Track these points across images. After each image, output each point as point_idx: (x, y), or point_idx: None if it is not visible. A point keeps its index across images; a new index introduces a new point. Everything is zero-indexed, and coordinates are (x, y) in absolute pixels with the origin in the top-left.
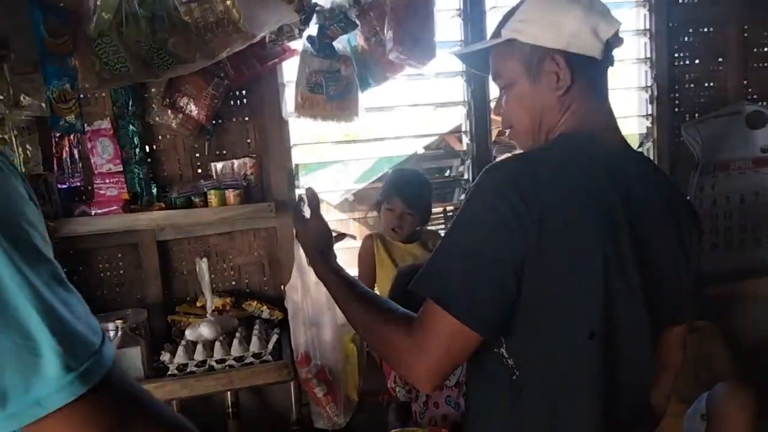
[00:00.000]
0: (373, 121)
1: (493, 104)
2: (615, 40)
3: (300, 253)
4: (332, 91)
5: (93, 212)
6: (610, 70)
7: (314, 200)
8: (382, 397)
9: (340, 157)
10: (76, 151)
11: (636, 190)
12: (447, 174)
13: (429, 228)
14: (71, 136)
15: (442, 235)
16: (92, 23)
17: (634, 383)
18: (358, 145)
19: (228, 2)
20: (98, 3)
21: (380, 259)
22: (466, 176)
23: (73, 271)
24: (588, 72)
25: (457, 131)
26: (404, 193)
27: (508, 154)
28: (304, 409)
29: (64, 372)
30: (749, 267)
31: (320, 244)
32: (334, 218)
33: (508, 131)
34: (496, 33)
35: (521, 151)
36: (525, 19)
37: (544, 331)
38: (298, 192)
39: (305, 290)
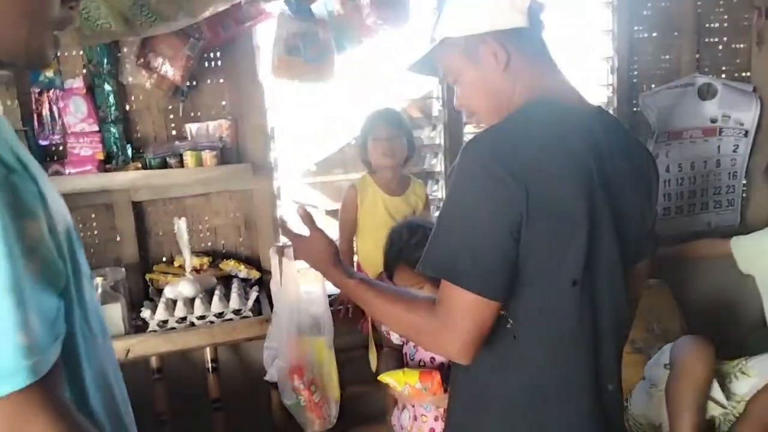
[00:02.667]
0: (347, 88)
1: None
2: (537, 6)
3: (288, 265)
4: (310, 53)
5: (67, 172)
6: (574, 41)
7: (307, 217)
8: (361, 326)
9: (312, 122)
10: (56, 108)
11: (603, 144)
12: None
13: (416, 179)
14: (51, 92)
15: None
16: None
17: (615, 324)
18: (327, 111)
19: None
20: None
21: (364, 212)
22: (438, 141)
23: None
24: (522, 42)
25: (427, 97)
26: (385, 117)
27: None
28: None
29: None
30: (697, 230)
31: (327, 255)
32: (297, 187)
33: (474, 118)
34: (432, 38)
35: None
36: (450, 17)
37: (533, 284)
38: (279, 213)
39: (294, 299)
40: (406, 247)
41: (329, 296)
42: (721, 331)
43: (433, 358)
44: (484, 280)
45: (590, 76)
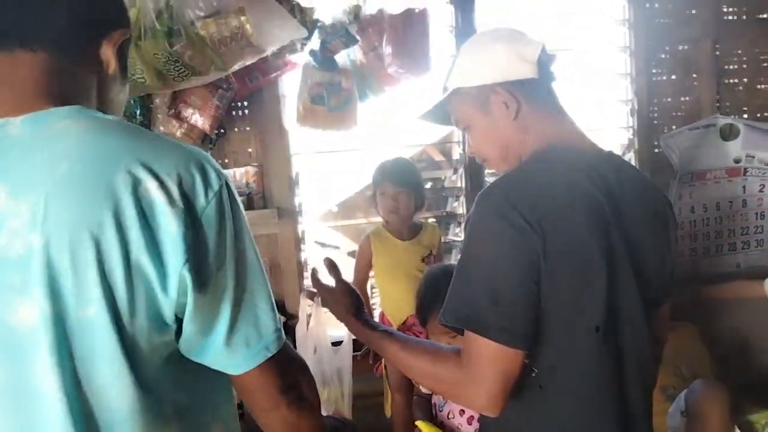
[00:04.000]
0: (370, 131)
1: None
2: (546, 58)
3: (317, 311)
4: (333, 102)
5: None
6: (593, 85)
7: (333, 267)
8: (376, 368)
9: (335, 168)
10: None
11: (616, 188)
12: (438, 185)
13: (428, 222)
14: None
15: (441, 228)
16: None
17: (639, 369)
18: (350, 155)
19: (242, 18)
20: None
21: (378, 259)
22: (459, 185)
23: None
24: (532, 92)
25: (446, 141)
26: (390, 174)
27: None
28: None
29: (275, 329)
30: (725, 271)
31: (351, 306)
32: (320, 229)
33: (485, 164)
34: (444, 88)
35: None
36: (462, 68)
37: (555, 331)
38: (310, 267)
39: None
40: (443, 291)
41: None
42: (753, 375)
43: (462, 410)
44: (507, 329)
45: (610, 118)
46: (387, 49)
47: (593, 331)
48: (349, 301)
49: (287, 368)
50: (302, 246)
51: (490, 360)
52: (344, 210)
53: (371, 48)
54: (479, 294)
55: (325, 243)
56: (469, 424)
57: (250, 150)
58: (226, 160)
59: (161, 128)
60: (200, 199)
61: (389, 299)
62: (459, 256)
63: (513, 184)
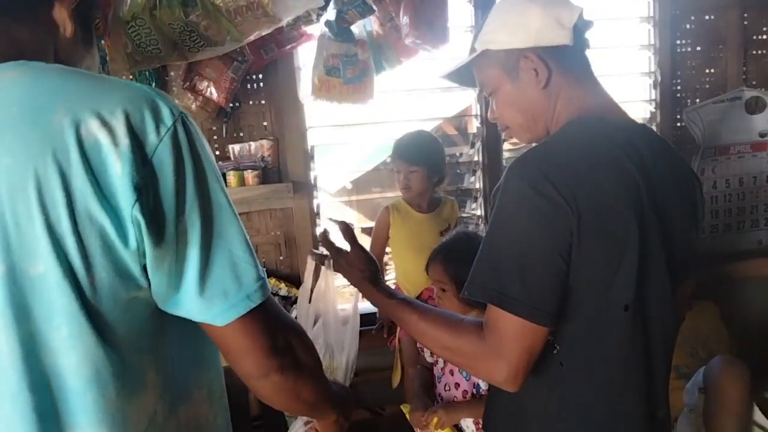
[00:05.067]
0: (385, 106)
1: None
2: (583, 24)
3: (327, 275)
4: (349, 74)
5: None
6: (614, 56)
7: (348, 232)
8: (390, 342)
9: (350, 141)
10: None
11: (649, 162)
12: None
13: (448, 197)
14: None
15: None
16: (125, 6)
17: (665, 349)
18: (364, 130)
19: None
20: None
21: (395, 231)
22: (476, 159)
23: None
24: (564, 59)
25: (463, 114)
26: (403, 151)
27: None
28: None
29: (257, 278)
30: (747, 248)
31: (367, 272)
32: (334, 204)
33: (506, 132)
34: (472, 49)
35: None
36: (492, 29)
37: (583, 308)
38: (321, 225)
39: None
40: (456, 248)
41: (369, 314)
42: None
43: (457, 384)
44: (533, 305)
45: (632, 91)
46: (404, 20)
47: (622, 309)
48: (365, 267)
49: (275, 327)
50: (317, 221)
51: (514, 336)
52: (360, 185)
53: (388, 19)
54: (507, 268)
55: (337, 220)
56: (464, 397)
57: (265, 123)
58: (241, 134)
59: (176, 101)
60: (150, 137)
61: (404, 271)
62: (487, 228)
63: (548, 156)
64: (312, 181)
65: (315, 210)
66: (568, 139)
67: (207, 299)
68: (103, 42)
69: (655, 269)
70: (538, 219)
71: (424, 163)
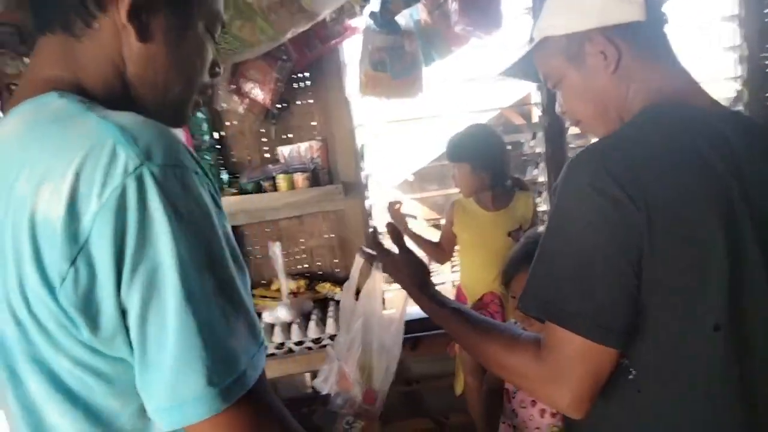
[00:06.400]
0: (439, 98)
1: None
2: None
3: (375, 276)
4: (396, 68)
5: None
6: (694, 30)
7: (396, 233)
8: (449, 347)
9: (404, 136)
10: None
11: (742, 154)
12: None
13: (523, 191)
14: None
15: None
16: None
17: (765, 371)
18: (420, 124)
19: None
20: None
21: (459, 229)
22: (538, 150)
23: None
24: (636, 38)
25: (523, 103)
26: (449, 149)
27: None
28: None
29: (206, 385)
30: None
31: (416, 277)
32: (395, 199)
33: (579, 126)
34: (531, 38)
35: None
36: (551, 13)
37: (662, 328)
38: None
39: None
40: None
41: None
42: None
43: (534, 401)
44: (597, 322)
45: (714, 68)
46: (453, 6)
47: (711, 329)
48: (412, 272)
49: None
50: (370, 221)
51: (576, 357)
52: (421, 178)
53: (436, 6)
54: (565, 280)
55: (407, 214)
56: (541, 416)
57: (313, 123)
58: (290, 135)
59: (223, 104)
60: (92, 203)
61: (467, 272)
62: (543, 234)
63: (612, 149)
64: (363, 181)
65: (368, 210)
66: (638, 129)
67: (146, 398)
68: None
69: (754, 281)
70: (599, 221)
71: (468, 159)
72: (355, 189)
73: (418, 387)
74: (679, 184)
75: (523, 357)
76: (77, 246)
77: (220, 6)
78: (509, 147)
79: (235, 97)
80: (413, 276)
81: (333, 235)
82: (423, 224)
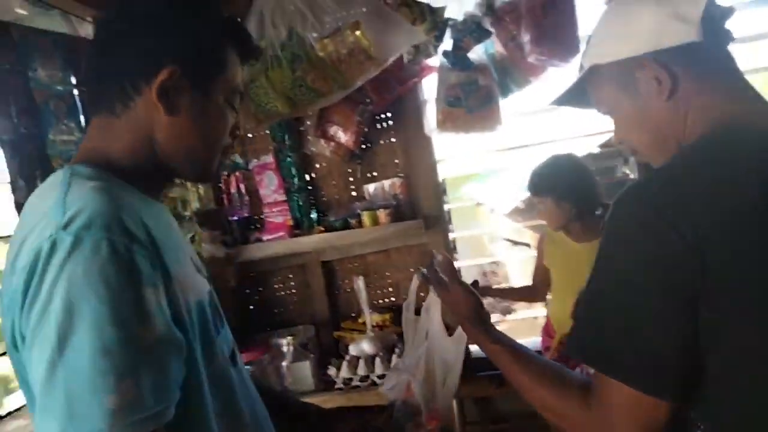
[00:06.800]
0: (529, 126)
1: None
2: (719, 13)
3: (435, 302)
4: (471, 102)
5: (264, 238)
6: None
7: (448, 266)
8: None
9: (496, 166)
10: (242, 186)
11: None
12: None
13: None
14: (237, 173)
15: None
16: (245, 70)
17: None
18: (512, 153)
19: (357, 33)
20: None
21: (549, 261)
22: (632, 176)
23: (254, 293)
24: (693, 60)
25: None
26: (530, 184)
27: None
28: (468, 428)
29: None
30: None
31: (466, 312)
32: (508, 227)
33: (636, 155)
34: (580, 66)
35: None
36: (600, 40)
37: (731, 380)
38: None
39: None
40: None
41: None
42: None
43: None
44: (649, 373)
45: None
46: (525, 37)
47: None
48: (462, 305)
49: None
50: (455, 255)
51: (625, 409)
52: (529, 208)
53: (510, 38)
54: (612, 326)
55: (516, 240)
56: None
57: (396, 161)
58: (375, 173)
59: (312, 149)
60: (21, 262)
61: (556, 305)
62: (591, 274)
63: (662, 183)
64: (445, 216)
65: (451, 244)
66: (693, 159)
67: None
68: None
69: None
70: (647, 262)
71: (549, 191)
72: (438, 223)
73: (507, 426)
74: (741, 221)
75: (571, 402)
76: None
77: (238, 80)
78: (599, 173)
79: (322, 141)
80: (465, 311)
81: (419, 268)
82: (534, 252)
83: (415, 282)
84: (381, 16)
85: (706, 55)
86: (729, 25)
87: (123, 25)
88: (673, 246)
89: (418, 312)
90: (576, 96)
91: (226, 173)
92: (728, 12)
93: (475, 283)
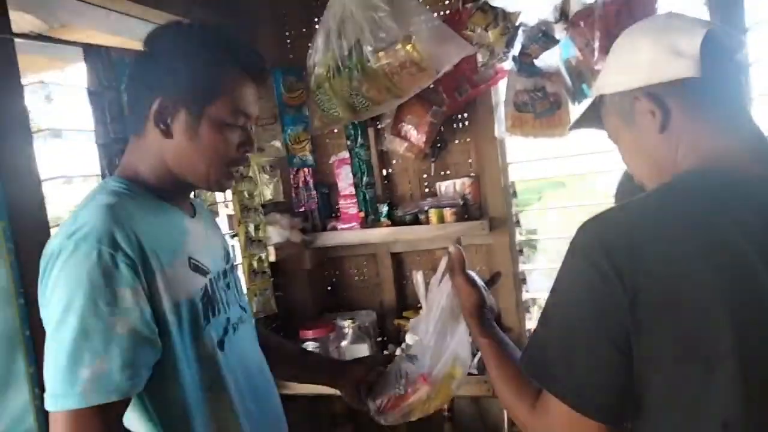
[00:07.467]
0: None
1: None
2: (730, 45)
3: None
4: (539, 108)
5: (339, 227)
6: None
7: (458, 258)
8: None
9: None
10: (310, 181)
11: None
12: None
13: None
14: (305, 169)
15: None
16: (312, 78)
17: None
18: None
19: (408, 47)
20: (316, 60)
21: None
22: None
23: (331, 275)
24: (689, 95)
25: None
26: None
27: None
28: (514, 428)
29: (52, 389)
30: None
31: (467, 304)
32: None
33: (639, 184)
34: (592, 93)
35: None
36: (607, 71)
37: (666, 416)
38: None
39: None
40: None
41: None
42: None
43: None
44: (580, 392)
45: None
46: (595, 43)
47: (718, 427)
48: (464, 297)
49: None
50: (520, 257)
51: (564, 422)
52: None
53: (585, 43)
54: (553, 345)
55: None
56: None
57: (469, 161)
58: (448, 172)
59: (388, 146)
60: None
61: None
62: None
63: (616, 220)
64: (514, 217)
65: (517, 247)
66: (658, 199)
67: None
68: (306, 108)
69: None
70: (586, 294)
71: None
72: (504, 225)
73: None
74: (684, 266)
75: (523, 402)
76: None
77: (240, 101)
78: None
79: (398, 140)
80: (465, 302)
81: (484, 268)
82: None
83: (444, 260)
84: (432, 29)
85: (703, 89)
86: (742, 56)
87: (138, 61)
88: (611, 284)
89: None
90: (595, 120)
91: (294, 169)
92: (739, 44)
93: (497, 274)
